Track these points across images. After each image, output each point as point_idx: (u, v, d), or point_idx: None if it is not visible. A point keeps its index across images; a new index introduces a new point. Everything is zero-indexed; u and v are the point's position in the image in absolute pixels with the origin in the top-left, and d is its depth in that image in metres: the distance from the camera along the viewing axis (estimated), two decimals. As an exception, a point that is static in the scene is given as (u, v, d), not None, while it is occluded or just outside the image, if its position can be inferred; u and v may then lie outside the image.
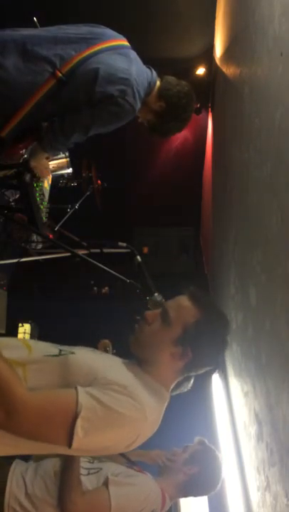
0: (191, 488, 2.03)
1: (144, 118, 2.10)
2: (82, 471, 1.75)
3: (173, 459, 2.06)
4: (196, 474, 1.99)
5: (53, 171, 2.72)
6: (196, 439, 2.12)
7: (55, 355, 1.24)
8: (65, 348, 1.28)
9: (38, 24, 2.28)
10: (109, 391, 1.12)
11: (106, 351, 1.90)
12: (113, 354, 1.86)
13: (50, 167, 2.31)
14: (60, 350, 1.26)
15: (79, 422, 1.06)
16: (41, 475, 1.75)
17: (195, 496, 2.12)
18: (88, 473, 1.77)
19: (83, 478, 1.73)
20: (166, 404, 1.27)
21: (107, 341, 2.12)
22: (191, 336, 1.26)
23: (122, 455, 1.92)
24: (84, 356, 1.28)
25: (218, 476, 2.05)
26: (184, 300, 1.32)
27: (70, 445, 1.07)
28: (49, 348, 1.28)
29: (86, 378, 1.15)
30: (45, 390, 1.14)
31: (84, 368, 1.20)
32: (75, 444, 1.06)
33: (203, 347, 1.28)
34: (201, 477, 2.00)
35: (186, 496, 2.09)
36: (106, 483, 1.73)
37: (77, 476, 1.70)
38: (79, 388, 1.10)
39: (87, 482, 1.74)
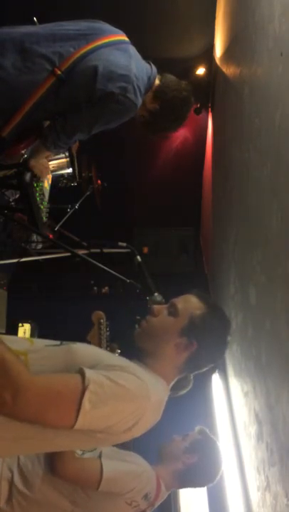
0: (189, 478, 1.99)
1: (139, 113, 2.07)
2: (78, 451, 1.75)
3: (172, 447, 2.02)
4: (195, 464, 1.95)
5: (53, 171, 2.72)
6: (197, 428, 2.08)
7: (57, 345, 1.27)
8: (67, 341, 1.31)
9: (37, 24, 2.27)
10: (113, 370, 1.14)
11: (100, 323, 1.83)
12: (107, 325, 1.81)
13: (49, 167, 2.31)
14: (62, 342, 1.29)
15: (87, 395, 1.06)
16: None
17: (193, 487, 2.08)
18: (83, 453, 1.78)
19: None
20: (166, 396, 1.27)
21: (100, 312, 1.99)
22: (196, 326, 1.30)
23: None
24: (86, 345, 1.31)
25: (218, 467, 2.00)
26: (190, 296, 1.37)
27: (76, 419, 1.06)
28: (50, 341, 1.31)
29: (89, 364, 1.16)
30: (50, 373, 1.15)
31: (86, 355, 1.22)
32: (80, 418, 1.06)
33: (207, 339, 1.31)
34: (200, 467, 1.96)
35: (183, 486, 2.05)
36: (100, 456, 1.75)
37: None
38: (84, 368, 1.12)
39: None
